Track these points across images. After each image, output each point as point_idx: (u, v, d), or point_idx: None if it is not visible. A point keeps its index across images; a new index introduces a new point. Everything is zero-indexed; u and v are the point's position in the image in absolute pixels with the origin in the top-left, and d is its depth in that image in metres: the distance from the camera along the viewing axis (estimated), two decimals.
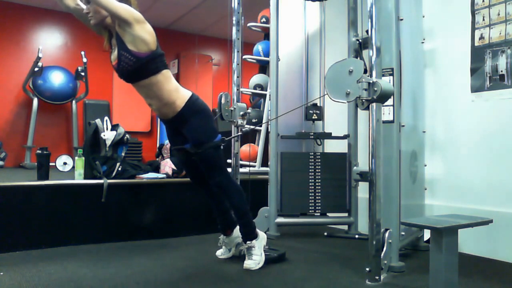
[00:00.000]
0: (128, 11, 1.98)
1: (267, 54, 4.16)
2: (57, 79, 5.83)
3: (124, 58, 2.01)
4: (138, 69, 2.04)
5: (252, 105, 4.88)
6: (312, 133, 3.27)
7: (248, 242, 2.30)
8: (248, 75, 4.48)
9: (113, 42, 2.10)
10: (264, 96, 4.29)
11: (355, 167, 2.90)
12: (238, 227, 2.43)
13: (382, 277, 2.00)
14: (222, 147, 2.27)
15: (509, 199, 2.47)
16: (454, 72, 2.82)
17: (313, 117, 3.29)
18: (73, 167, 3.97)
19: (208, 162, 2.25)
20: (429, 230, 1.85)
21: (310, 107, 3.29)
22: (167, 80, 2.13)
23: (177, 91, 2.17)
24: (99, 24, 2.09)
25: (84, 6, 2.08)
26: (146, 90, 2.13)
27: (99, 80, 6.49)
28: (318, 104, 3.34)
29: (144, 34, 2.01)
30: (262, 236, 2.37)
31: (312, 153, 3.20)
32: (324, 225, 3.40)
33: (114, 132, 3.14)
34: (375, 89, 1.96)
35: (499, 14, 2.58)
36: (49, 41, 6.34)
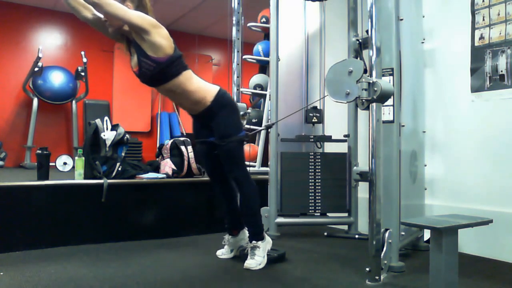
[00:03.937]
0: (143, 19, 2.03)
1: (267, 54, 4.16)
2: (57, 79, 5.83)
3: (145, 64, 2.07)
4: (159, 74, 2.09)
5: (252, 105, 4.88)
6: (312, 136, 3.27)
7: (253, 241, 2.30)
8: (248, 75, 4.49)
9: (132, 49, 2.15)
10: (264, 96, 4.29)
11: (355, 167, 2.90)
12: (245, 229, 2.44)
13: (382, 277, 2.00)
14: (245, 142, 2.32)
15: (509, 199, 2.47)
16: (454, 72, 2.82)
17: (313, 120, 3.29)
18: (73, 167, 3.97)
19: (230, 156, 2.27)
20: (429, 230, 1.85)
21: (310, 110, 3.29)
22: (188, 80, 2.17)
23: (203, 88, 2.21)
24: (117, 31, 2.15)
25: (101, 15, 2.15)
26: (171, 93, 2.19)
27: (99, 80, 6.49)
28: (318, 107, 3.34)
29: (160, 39, 2.05)
30: (268, 240, 2.38)
31: (312, 153, 3.20)
32: (324, 225, 3.40)
33: (114, 132, 3.14)
34: (375, 89, 1.96)
35: (499, 14, 2.58)
36: (49, 41, 6.34)
